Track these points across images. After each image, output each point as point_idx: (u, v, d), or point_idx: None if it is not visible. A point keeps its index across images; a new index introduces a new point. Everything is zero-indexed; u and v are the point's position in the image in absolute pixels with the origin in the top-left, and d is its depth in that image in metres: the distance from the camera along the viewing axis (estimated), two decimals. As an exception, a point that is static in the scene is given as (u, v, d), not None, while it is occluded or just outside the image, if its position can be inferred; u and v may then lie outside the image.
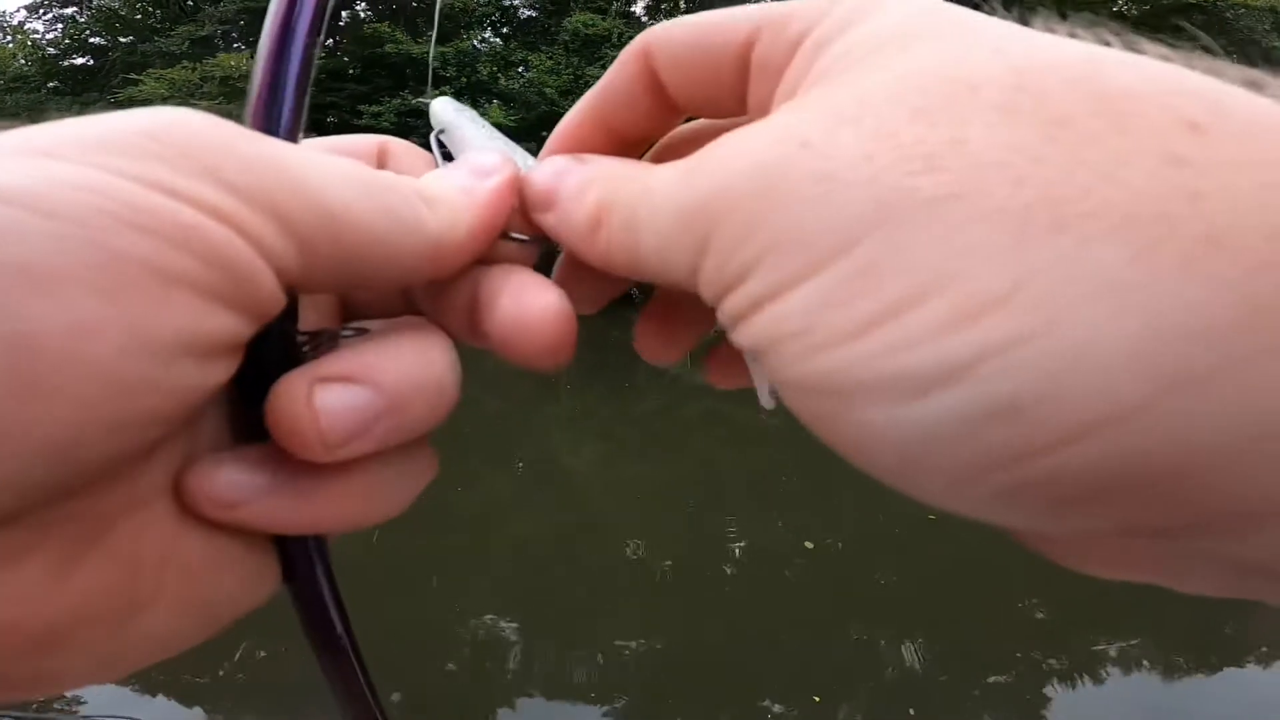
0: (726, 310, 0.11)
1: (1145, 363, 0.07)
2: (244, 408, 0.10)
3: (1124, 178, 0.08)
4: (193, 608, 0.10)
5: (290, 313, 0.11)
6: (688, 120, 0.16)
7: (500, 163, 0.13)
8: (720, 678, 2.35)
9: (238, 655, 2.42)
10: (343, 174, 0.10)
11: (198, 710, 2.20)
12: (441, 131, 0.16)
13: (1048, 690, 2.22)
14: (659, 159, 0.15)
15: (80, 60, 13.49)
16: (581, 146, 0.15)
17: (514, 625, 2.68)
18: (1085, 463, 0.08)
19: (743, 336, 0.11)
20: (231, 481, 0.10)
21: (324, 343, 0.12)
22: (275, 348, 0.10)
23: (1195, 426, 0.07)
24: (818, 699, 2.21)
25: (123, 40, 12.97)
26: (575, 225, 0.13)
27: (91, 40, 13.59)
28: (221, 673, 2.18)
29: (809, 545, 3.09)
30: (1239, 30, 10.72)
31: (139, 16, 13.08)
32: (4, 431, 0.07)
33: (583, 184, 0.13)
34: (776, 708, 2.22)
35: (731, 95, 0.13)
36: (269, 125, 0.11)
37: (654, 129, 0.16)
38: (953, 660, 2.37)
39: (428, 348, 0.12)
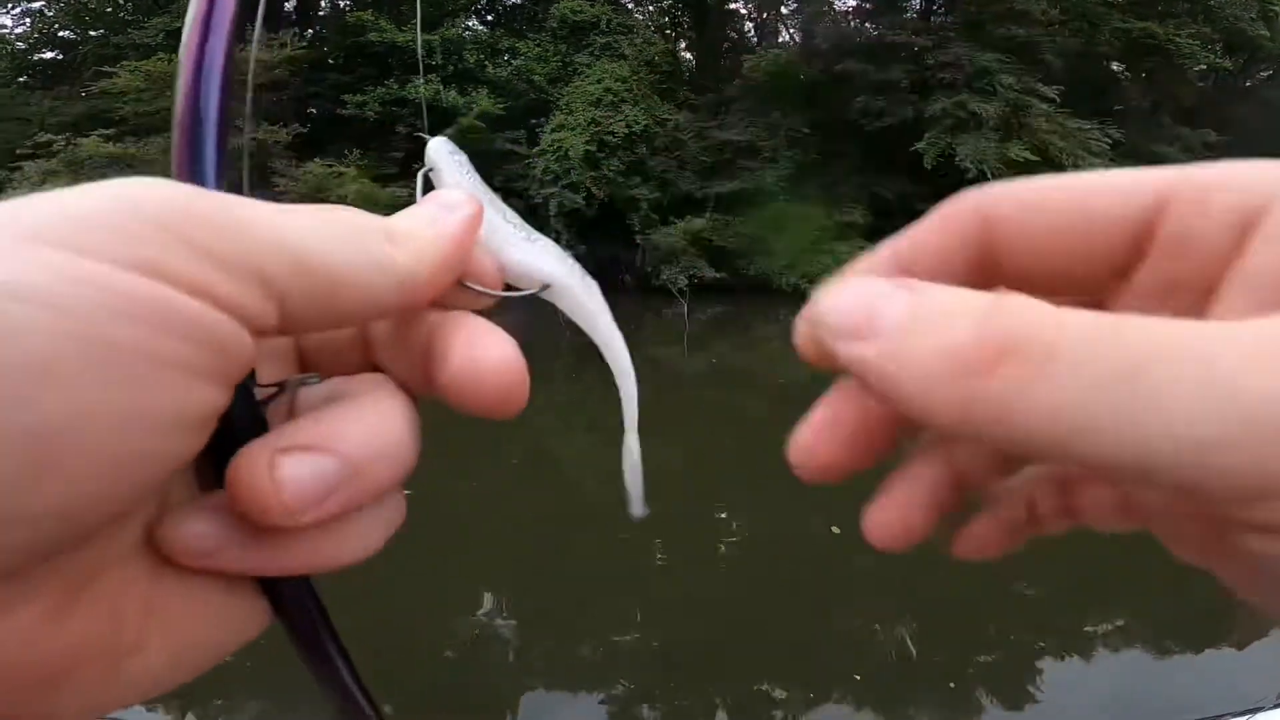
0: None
1: None
2: (209, 459, 0.11)
3: None
4: (178, 651, 0.11)
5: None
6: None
7: (465, 199, 0.13)
8: (719, 664, 2.32)
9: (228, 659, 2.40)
10: (313, 222, 0.11)
11: (189, 717, 2.21)
12: (430, 170, 0.16)
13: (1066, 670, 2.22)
14: None
15: (50, 54, 13.23)
16: None
17: (511, 613, 2.67)
18: None
19: None
20: (202, 533, 0.10)
21: (283, 394, 0.12)
22: (237, 402, 0.10)
23: None
24: (858, 677, 2.20)
25: (93, 33, 12.71)
26: (922, 362, 0.10)
27: (61, 34, 13.31)
28: (209, 674, 2.17)
29: (836, 530, 3.00)
30: (1224, 18, 10.80)
31: (109, 9, 12.81)
32: (19, 505, 0.08)
33: (940, 311, 0.10)
34: (778, 693, 2.20)
35: (1102, 267, 0.12)
36: (194, 170, 0.11)
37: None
38: (981, 638, 2.36)
39: (388, 411, 0.11)
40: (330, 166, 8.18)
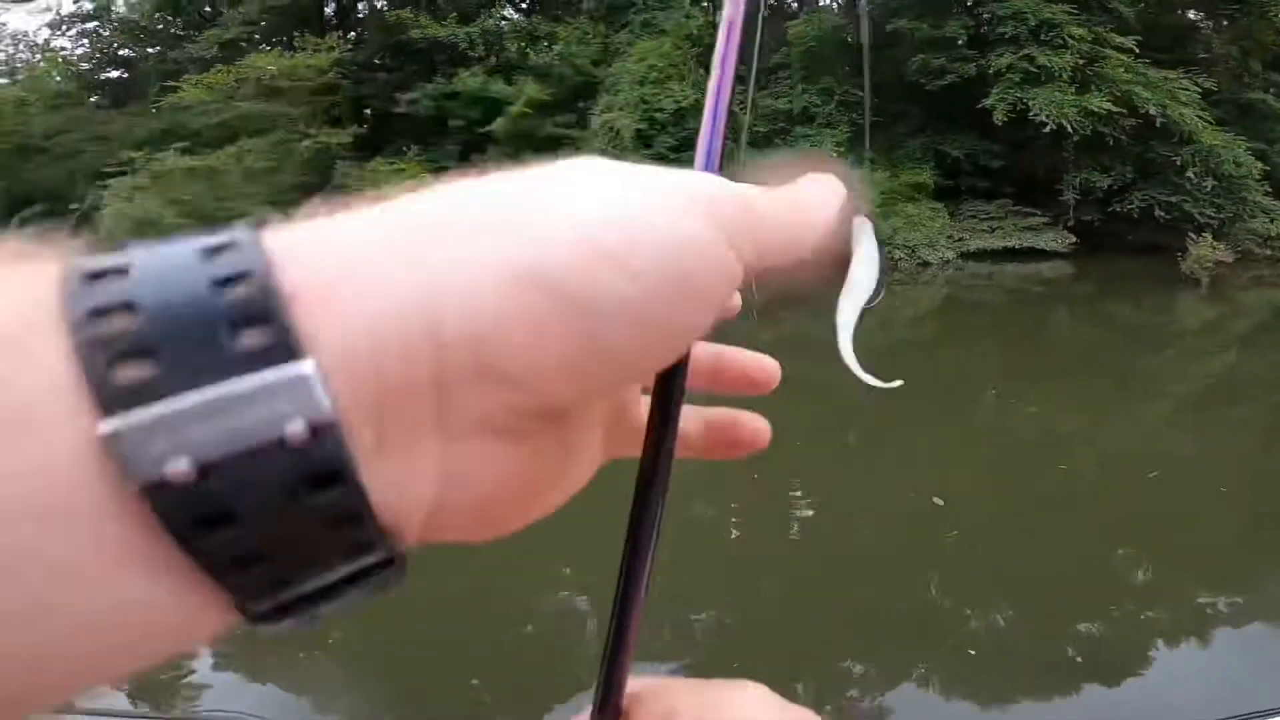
0: None
1: None
2: None
3: None
4: (572, 490, 0.14)
5: None
6: None
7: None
8: (801, 641, 2.21)
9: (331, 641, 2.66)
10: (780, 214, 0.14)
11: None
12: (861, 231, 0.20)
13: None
14: None
15: (114, 73, 14.03)
16: None
17: (590, 587, 2.60)
18: None
19: None
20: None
21: None
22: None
23: None
24: (973, 652, 2.14)
25: (150, 50, 13.40)
26: None
27: (120, 52, 14.07)
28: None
29: (939, 501, 2.97)
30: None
31: (160, 26, 13.45)
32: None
33: None
34: (862, 671, 2.12)
35: None
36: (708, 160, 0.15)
37: None
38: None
39: None
40: (392, 164, 8.51)
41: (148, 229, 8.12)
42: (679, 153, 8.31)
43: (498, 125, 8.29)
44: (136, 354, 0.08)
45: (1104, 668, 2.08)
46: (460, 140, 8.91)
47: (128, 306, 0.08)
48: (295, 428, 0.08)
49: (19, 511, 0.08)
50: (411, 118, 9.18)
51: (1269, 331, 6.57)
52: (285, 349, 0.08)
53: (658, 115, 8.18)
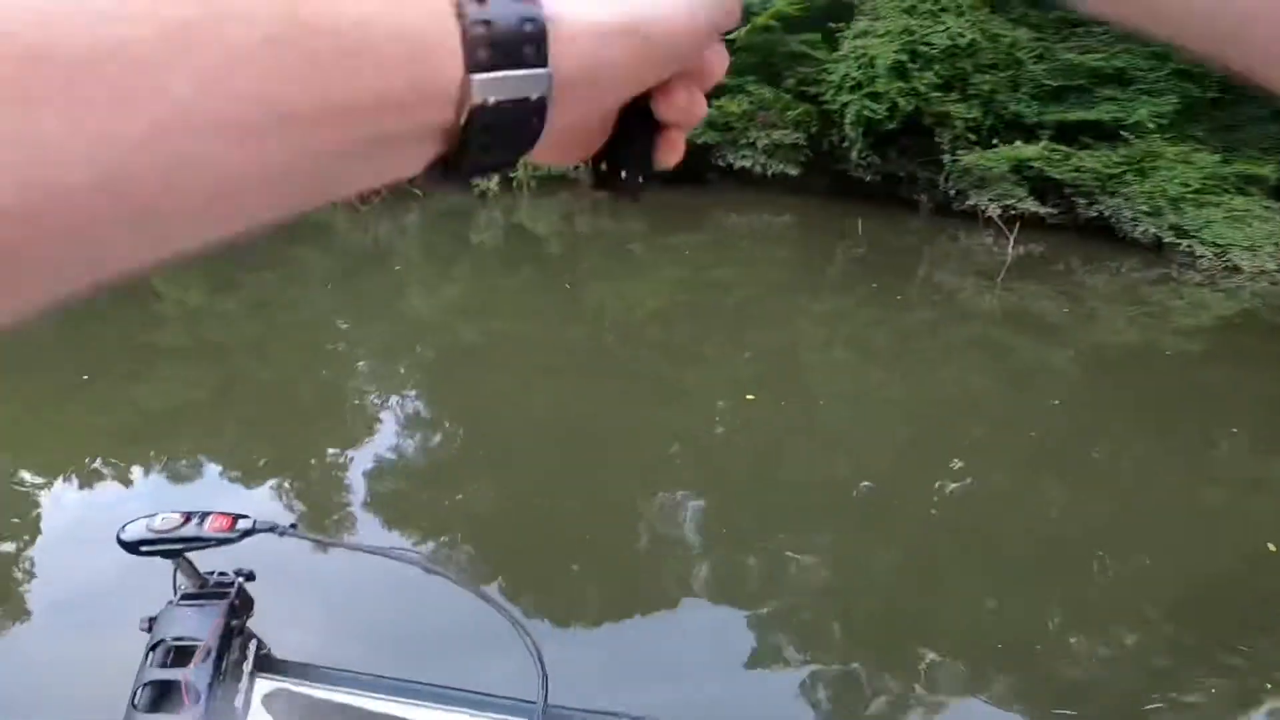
0: None
1: None
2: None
3: None
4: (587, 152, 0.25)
5: None
6: None
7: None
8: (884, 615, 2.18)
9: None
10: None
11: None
12: None
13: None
14: None
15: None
16: None
17: (706, 523, 2.61)
18: None
19: None
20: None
21: None
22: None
23: None
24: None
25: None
26: None
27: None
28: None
29: (1275, 548, 2.55)
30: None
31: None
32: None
33: None
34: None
35: None
36: None
37: None
38: None
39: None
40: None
41: None
42: (942, 91, 7.32)
43: (737, 34, 7.91)
44: (486, 44, 0.16)
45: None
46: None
47: (487, 23, 0.16)
48: (537, 93, 0.17)
49: (409, 48, 0.15)
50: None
51: None
52: (543, 59, 0.17)
53: (923, 49, 7.26)
